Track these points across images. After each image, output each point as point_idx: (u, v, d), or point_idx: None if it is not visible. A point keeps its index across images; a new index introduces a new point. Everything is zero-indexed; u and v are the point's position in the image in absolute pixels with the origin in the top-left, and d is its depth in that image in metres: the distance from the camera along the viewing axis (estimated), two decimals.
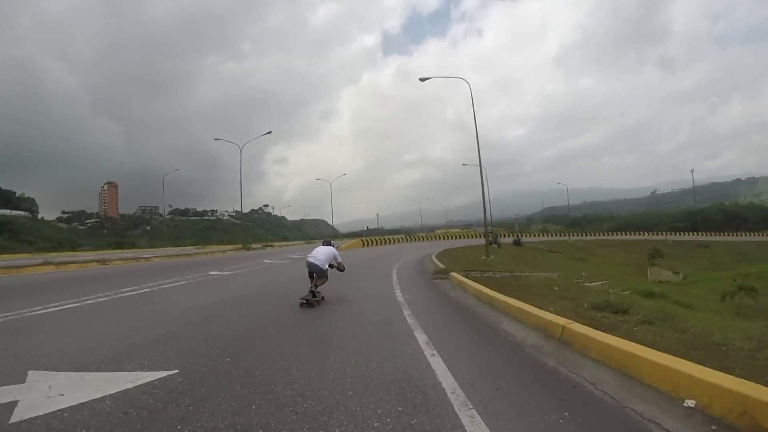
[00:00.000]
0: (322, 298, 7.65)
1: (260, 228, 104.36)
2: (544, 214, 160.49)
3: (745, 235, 71.56)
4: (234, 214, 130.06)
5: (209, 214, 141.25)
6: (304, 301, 7.28)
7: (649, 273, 41.07)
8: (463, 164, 42.90)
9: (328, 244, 8.22)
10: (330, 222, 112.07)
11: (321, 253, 7.77)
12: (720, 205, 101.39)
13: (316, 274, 7.58)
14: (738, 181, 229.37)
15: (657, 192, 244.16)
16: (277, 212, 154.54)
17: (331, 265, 7.85)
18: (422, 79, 24.60)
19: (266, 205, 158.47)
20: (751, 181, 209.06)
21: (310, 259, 7.66)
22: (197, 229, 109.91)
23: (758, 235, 69.32)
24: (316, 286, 7.55)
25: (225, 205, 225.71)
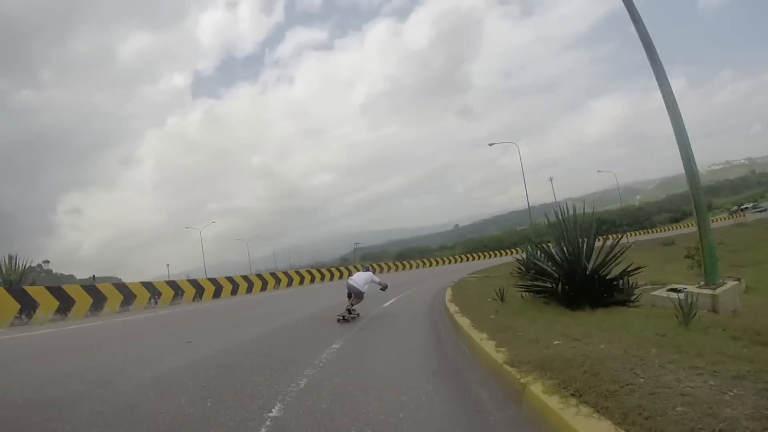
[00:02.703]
0: (358, 314, 9.05)
1: None
2: (358, 255, 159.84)
3: (651, 232, 69.25)
4: None
5: None
6: (341, 317, 8.70)
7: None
8: (490, 144, 42.51)
9: (367, 269, 9.79)
10: (125, 280, 76.25)
11: (360, 278, 9.22)
12: (585, 214, 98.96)
13: (354, 294, 9.03)
14: (532, 207, 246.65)
15: (459, 225, 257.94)
16: (64, 270, 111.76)
17: (383, 288, 9.68)
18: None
19: (46, 261, 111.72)
20: (544, 207, 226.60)
21: (350, 282, 9.17)
22: None
23: (668, 229, 67.41)
24: (352, 305, 8.97)
25: None
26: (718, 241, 37.21)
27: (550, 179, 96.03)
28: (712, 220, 66.21)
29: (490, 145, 38.59)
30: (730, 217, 70.32)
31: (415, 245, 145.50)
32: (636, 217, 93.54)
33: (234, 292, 22.78)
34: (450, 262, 51.28)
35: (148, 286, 17.83)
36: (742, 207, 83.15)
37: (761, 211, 70.22)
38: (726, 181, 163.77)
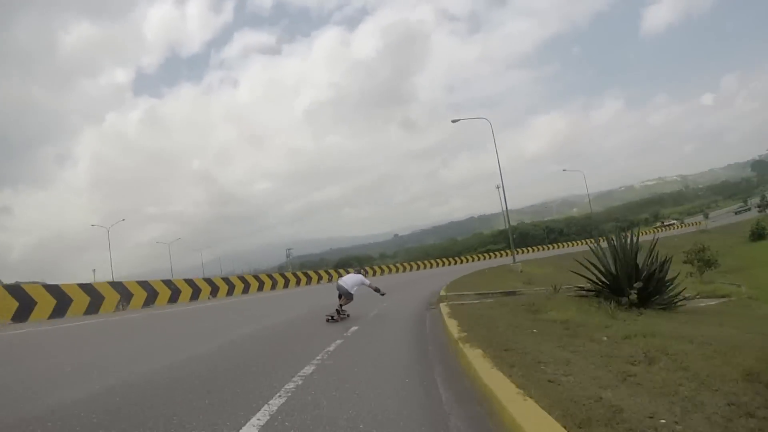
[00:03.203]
0: (348, 315, 9.15)
1: None
2: (297, 262, 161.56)
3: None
4: None
5: None
6: (330, 317, 8.83)
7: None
8: (454, 120, 35.51)
9: (359, 272, 10.07)
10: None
11: (349, 279, 9.39)
12: (536, 223, 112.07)
13: (344, 295, 9.08)
14: (472, 218, 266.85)
15: (399, 235, 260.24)
16: None
17: (375, 290, 9.72)
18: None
19: None
20: (484, 218, 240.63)
21: (340, 283, 9.31)
22: None
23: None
24: (341, 306, 9.03)
25: None
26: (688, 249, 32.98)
27: (498, 186, 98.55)
28: (660, 229, 68.54)
29: (454, 121, 36.14)
30: (661, 229, 71.59)
31: (354, 254, 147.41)
32: (584, 226, 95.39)
33: (195, 296, 20.88)
34: (421, 267, 49.23)
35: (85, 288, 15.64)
36: (665, 223, 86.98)
37: (743, 210, 73.10)
38: (666, 194, 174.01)
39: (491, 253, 66.40)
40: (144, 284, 18.11)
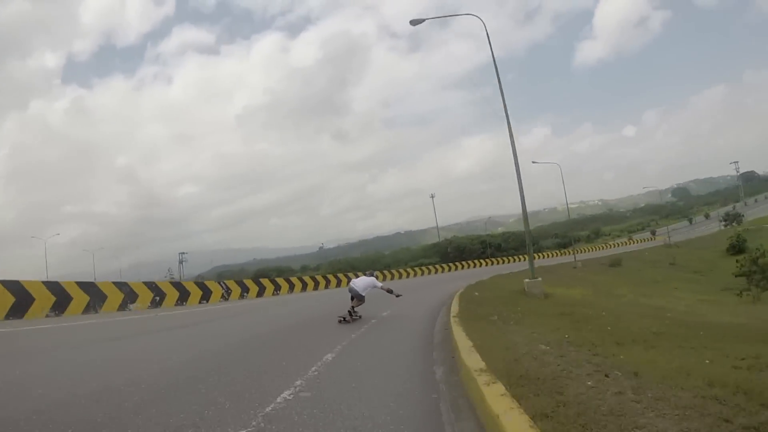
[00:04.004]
0: (360, 316, 9.63)
1: None
2: (215, 272, 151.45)
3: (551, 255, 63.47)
4: None
5: None
6: (342, 319, 9.26)
7: None
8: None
9: (371, 275, 10.36)
10: None
11: (361, 282, 9.75)
12: (472, 236, 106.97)
13: (355, 297, 9.45)
14: (398, 234, 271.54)
15: (324, 247, 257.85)
16: None
17: (389, 291, 9.98)
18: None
19: None
20: (411, 234, 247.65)
21: (352, 285, 9.66)
22: None
23: (565, 253, 61.75)
24: (353, 308, 9.45)
25: None
26: (670, 262, 39.56)
27: (432, 196, 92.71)
28: (619, 244, 68.93)
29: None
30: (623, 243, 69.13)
31: (276, 266, 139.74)
32: (522, 241, 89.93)
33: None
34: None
35: None
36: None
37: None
38: (590, 216, 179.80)
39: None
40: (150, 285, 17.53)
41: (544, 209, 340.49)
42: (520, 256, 59.45)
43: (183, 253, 77.58)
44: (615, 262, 35.60)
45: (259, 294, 22.87)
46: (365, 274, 10.64)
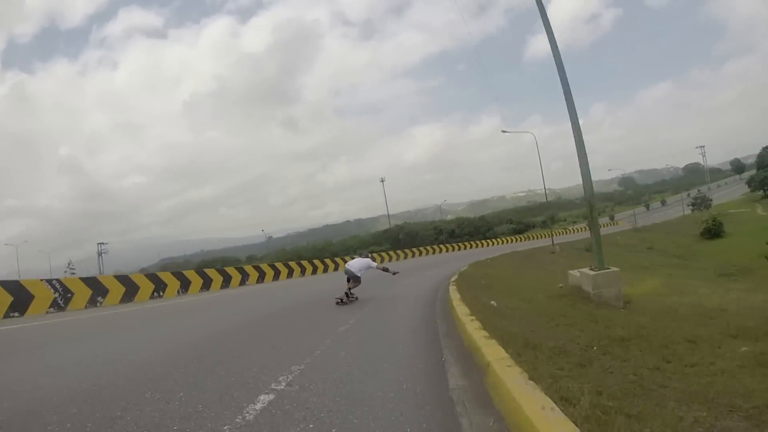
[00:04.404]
0: (356, 298, 9.60)
1: None
2: (161, 264, 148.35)
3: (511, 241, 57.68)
4: None
5: None
6: (339, 300, 9.19)
7: None
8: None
9: (366, 256, 10.38)
10: None
11: (356, 263, 9.69)
12: (425, 223, 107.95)
13: (352, 279, 9.50)
14: (348, 222, 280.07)
15: (272, 237, 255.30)
16: None
17: (384, 270, 10.26)
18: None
19: None
20: (361, 222, 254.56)
21: (348, 267, 9.66)
22: None
23: (526, 238, 58.01)
24: (350, 289, 9.46)
25: None
26: (647, 246, 35.93)
27: (382, 180, 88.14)
28: (581, 228, 64.21)
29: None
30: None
31: (222, 256, 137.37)
32: (477, 228, 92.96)
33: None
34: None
35: None
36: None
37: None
38: (542, 203, 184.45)
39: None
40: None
41: (493, 197, 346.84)
42: (481, 242, 55.35)
43: (103, 243, 69.20)
44: (590, 247, 31.57)
45: (205, 287, 18.68)
46: (361, 256, 10.63)
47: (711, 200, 62.55)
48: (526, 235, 63.17)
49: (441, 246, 47.71)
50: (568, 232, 62.88)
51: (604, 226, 67.66)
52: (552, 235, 33.85)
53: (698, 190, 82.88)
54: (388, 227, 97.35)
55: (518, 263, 21.41)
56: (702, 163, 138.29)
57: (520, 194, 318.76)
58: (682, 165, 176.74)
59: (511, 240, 55.78)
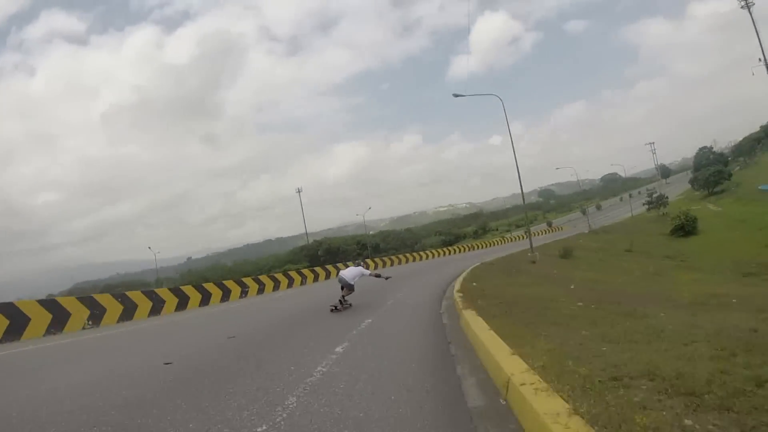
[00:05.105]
0: (350, 305, 9.70)
1: None
2: (73, 292, 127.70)
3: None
4: None
5: None
6: (333, 308, 9.41)
7: None
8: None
9: (359, 264, 10.75)
10: None
11: (349, 272, 9.88)
12: (347, 237, 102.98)
13: (345, 287, 9.63)
14: (269, 241, 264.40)
15: (192, 258, 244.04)
16: None
17: (377, 276, 10.45)
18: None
19: None
20: (282, 241, 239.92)
21: (342, 275, 9.83)
22: None
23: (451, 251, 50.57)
24: (343, 296, 9.62)
25: None
26: (626, 249, 33.45)
27: (298, 190, 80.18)
28: (520, 236, 59.25)
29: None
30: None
31: (138, 279, 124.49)
32: (403, 241, 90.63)
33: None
34: None
35: None
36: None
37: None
38: (466, 215, 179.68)
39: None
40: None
41: (415, 213, 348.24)
42: (408, 255, 47.78)
43: None
44: (566, 252, 26.42)
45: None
46: (354, 264, 11.08)
47: (667, 198, 59.93)
48: (449, 248, 57.44)
49: (401, 256, 40.29)
50: (506, 240, 57.92)
51: (549, 232, 64.95)
52: (530, 236, 26.49)
53: (647, 189, 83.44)
54: (306, 243, 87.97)
55: (518, 277, 13.97)
56: (619, 174, 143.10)
57: (442, 209, 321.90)
58: (596, 177, 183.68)
59: (438, 253, 48.78)
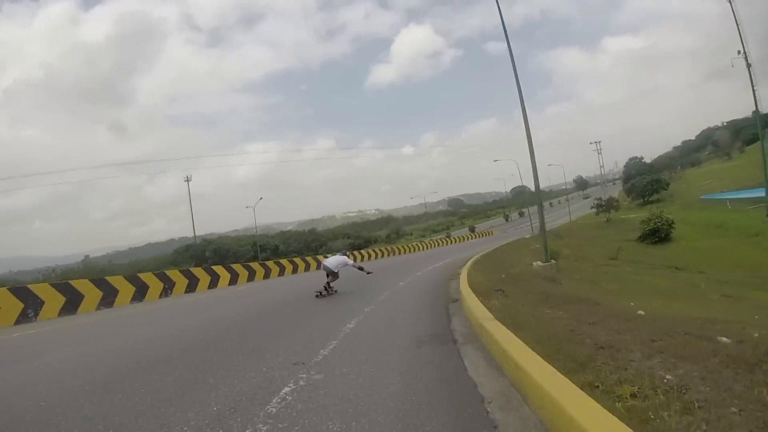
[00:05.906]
0: (335, 291, 10.32)
1: None
2: None
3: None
4: None
5: None
6: (318, 293, 10.01)
7: None
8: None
9: (344, 254, 10.98)
10: None
11: (333, 260, 10.45)
12: (241, 237, 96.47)
13: (330, 274, 10.19)
14: (173, 240, 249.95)
15: (90, 257, 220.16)
16: None
17: (359, 269, 10.81)
18: None
19: None
20: (184, 241, 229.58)
21: (325, 263, 10.38)
22: None
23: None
24: (328, 283, 10.16)
25: None
26: (610, 257, 30.56)
27: (186, 180, 68.13)
28: (443, 241, 58.55)
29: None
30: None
31: (34, 278, 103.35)
32: (306, 244, 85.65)
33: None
34: None
35: None
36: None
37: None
38: (375, 220, 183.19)
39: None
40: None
41: (323, 217, 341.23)
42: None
43: None
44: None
45: None
46: (339, 254, 11.11)
47: (617, 201, 56.67)
48: (359, 251, 50.19)
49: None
50: (426, 246, 51.00)
51: (472, 238, 58.78)
52: (545, 241, 17.93)
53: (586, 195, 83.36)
54: (192, 243, 75.69)
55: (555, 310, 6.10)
56: (527, 186, 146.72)
57: (351, 214, 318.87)
58: (503, 189, 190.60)
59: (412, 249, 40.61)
